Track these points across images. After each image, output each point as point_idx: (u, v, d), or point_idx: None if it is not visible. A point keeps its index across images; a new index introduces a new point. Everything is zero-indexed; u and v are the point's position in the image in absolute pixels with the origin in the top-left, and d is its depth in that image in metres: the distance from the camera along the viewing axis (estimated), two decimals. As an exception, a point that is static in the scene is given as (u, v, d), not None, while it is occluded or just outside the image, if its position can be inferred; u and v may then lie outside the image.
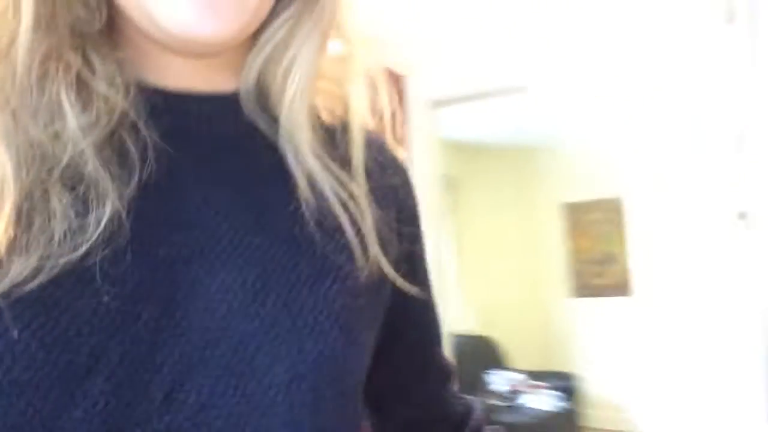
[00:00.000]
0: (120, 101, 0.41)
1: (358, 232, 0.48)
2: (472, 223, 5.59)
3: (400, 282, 0.51)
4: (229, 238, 0.43)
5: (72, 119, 0.39)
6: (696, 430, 2.12)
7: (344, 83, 0.51)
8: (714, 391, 2.07)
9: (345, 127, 0.51)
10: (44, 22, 0.39)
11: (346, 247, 0.47)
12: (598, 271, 5.58)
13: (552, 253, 5.82)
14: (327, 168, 0.47)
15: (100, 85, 0.41)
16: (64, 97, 0.40)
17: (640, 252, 2.39)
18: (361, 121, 0.51)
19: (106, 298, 0.38)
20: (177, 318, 0.40)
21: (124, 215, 0.40)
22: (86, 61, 0.42)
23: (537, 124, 5.09)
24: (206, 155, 0.46)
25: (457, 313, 4.86)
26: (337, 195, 0.47)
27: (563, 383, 5.20)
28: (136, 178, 0.41)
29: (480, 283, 5.45)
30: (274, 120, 0.48)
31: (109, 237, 0.39)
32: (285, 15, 0.48)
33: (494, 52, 2.60)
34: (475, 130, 5.03)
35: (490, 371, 5.08)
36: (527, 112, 4.72)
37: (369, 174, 0.50)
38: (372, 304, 0.50)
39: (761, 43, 1.14)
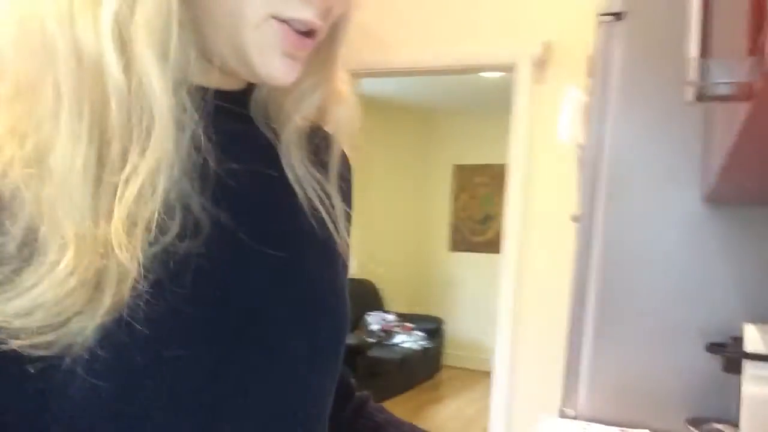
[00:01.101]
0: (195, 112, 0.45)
1: (332, 221, 0.57)
2: (368, 177, 5.83)
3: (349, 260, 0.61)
4: (255, 227, 0.50)
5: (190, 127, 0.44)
6: (540, 367, 2.70)
7: (326, 100, 0.58)
8: (555, 336, 2.57)
9: (321, 134, 0.59)
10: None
11: (330, 234, 0.56)
12: (478, 229, 6.12)
13: (439, 210, 6.30)
14: (310, 173, 0.56)
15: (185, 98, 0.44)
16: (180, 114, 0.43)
17: (514, 215, 2.73)
18: (341, 135, 0.60)
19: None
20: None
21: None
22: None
23: (437, 91, 5.37)
24: (231, 147, 0.49)
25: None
26: (316, 192, 0.56)
27: (430, 325, 5.78)
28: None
29: (368, 232, 5.76)
30: (266, 123, 0.56)
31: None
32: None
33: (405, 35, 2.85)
34: (378, 89, 5.18)
35: (370, 313, 5.54)
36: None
37: (338, 176, 0.59)
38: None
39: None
